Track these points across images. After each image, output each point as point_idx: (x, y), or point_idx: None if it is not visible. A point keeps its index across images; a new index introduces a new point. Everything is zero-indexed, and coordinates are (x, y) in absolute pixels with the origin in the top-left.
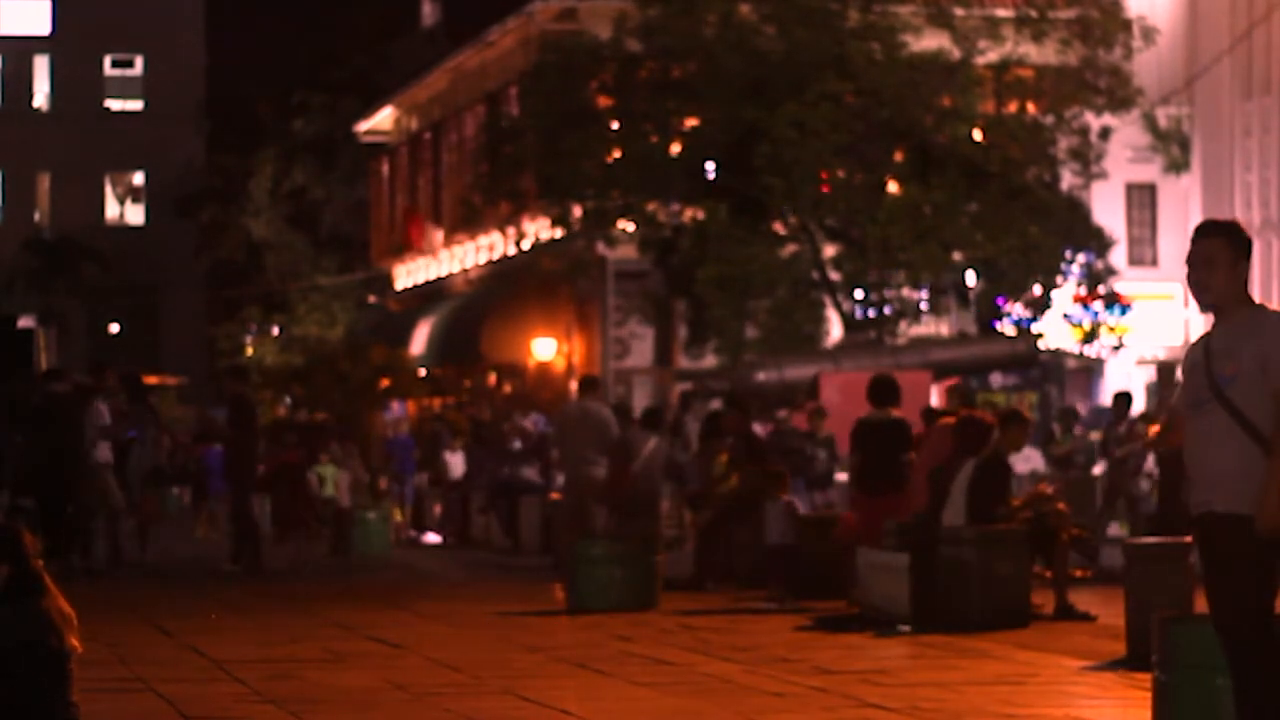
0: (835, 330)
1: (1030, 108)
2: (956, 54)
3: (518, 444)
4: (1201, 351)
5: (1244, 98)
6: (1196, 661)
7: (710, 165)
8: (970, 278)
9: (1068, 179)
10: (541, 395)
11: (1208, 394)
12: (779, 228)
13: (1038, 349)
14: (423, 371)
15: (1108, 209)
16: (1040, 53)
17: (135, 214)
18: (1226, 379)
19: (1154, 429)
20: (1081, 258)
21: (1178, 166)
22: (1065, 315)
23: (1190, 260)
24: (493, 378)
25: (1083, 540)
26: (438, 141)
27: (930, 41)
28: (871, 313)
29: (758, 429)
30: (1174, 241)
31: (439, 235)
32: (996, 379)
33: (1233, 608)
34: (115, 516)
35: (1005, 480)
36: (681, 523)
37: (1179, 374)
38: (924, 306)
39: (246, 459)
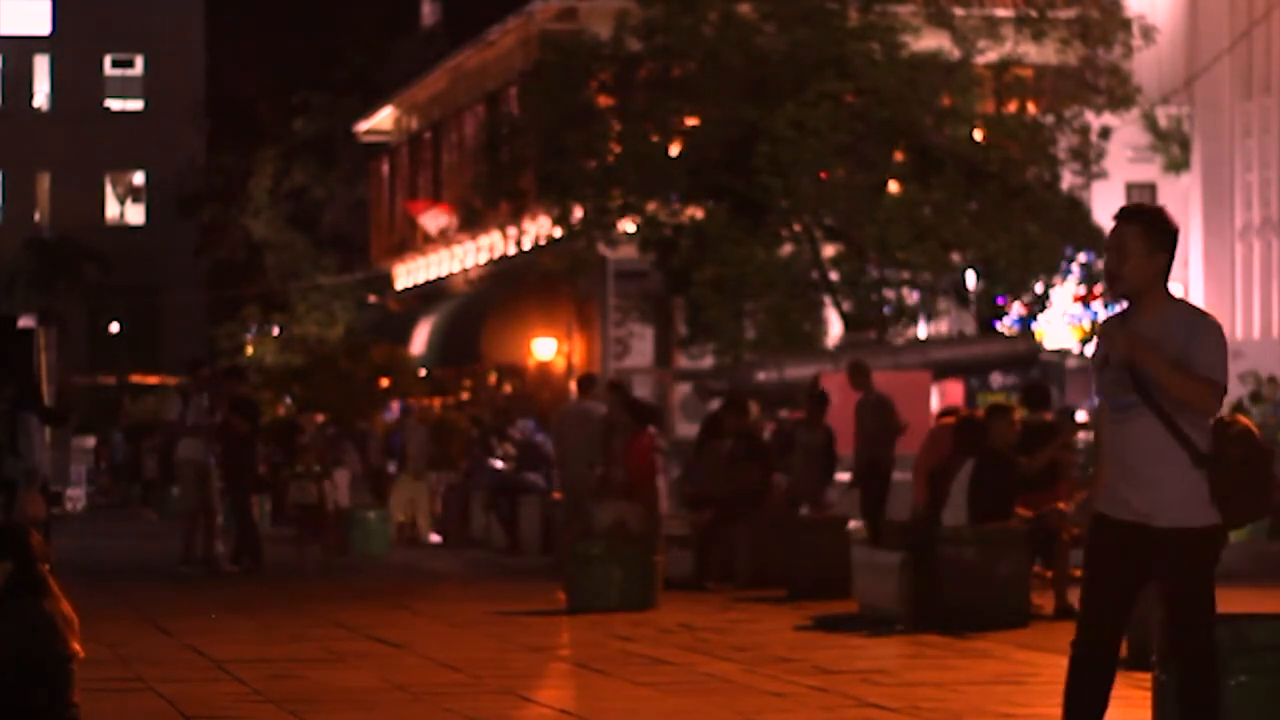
0: (835, 330)
1: (1030, 107)
2: (956, 54)
3: (510, 449)
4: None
5: (1244, 98)
6: None
7: (711, 172)
8: (970, 278)
9: (1068, 178)
10: (541, 395)
11: (1134, 396)
12: (777, 227)
13: (1038, 349)
14: (423, 371)
15: (1108, 209)
16: (1040, 52)
17: (135, 214)
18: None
19: None
20: (1081, 257)
21: (1178, 166)
22: (1065, 315)
23: (1105, 246)
24: (493, 378)
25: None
26: (438, 141)
27: (930, 41)
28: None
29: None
30: None
31: (445, 219)
32: (996, 379)
33: (1192, 622)
34: (193, 514)
35: (1006, 476)
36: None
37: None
38: (923, 306)
39: (246, 460)
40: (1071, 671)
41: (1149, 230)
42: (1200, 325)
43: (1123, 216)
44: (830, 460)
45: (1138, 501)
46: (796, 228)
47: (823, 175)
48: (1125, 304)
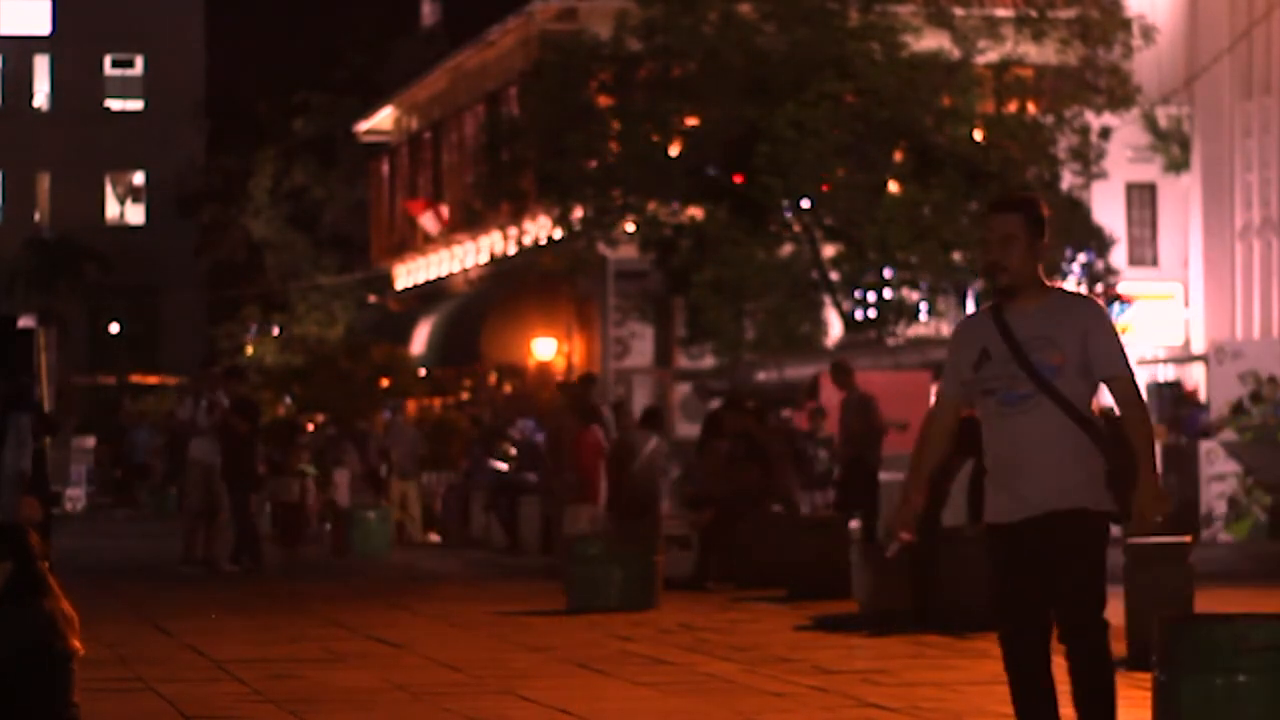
0: (835, 330)
1: (1030, 107)
2: (956, 54)
3: (512, 451)
4: (999, 337)
5: (1244, 98)
6: (1197, 661)
7: (714, 173)
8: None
9: (1068, 179)
10: (541, 395)
11: (1029, 387)
12: (778, 228)
13: None
14: (423, 371)
15: (1108, 209)
16: (1040, 52)
17: (135, 214)
18: (1053, 368)
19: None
20: (1082, 257)
21: (1178, 166)
22: None
23: (986, 239)
24: (493, 378)
25: None
26: (438, 141)
27: (930, 41)
28: (872, 313)
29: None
30: (1174, 241)
31: (440, 225)
32: None
33: (1090, 604)
34: (196, 514)
35: None
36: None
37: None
38: (923, 307)
39: (246, 460)
40: (1016, 685)
41: (1029, 219)
42: (1088, 316)
43: (1002, 207)
44: (804, 461)
45: (1033, 491)
46: (796, 228)
47: (823, 175)
48: (999, 296)
